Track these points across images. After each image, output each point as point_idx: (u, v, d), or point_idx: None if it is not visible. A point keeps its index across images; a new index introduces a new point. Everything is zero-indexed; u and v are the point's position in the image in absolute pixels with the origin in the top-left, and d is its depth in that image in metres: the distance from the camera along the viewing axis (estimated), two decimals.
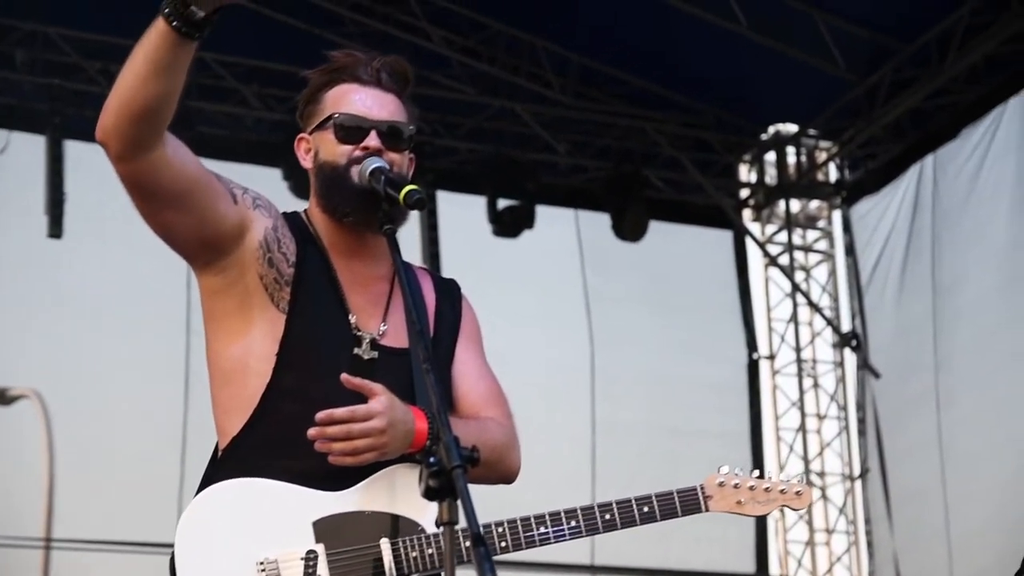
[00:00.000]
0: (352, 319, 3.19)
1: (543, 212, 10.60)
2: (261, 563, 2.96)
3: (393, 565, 2.98)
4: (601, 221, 10.87)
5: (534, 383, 10.08)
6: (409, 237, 10.34)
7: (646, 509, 3.13)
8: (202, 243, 3.13)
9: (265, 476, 3.04)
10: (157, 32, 2.87)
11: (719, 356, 11.30)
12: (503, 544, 3.06)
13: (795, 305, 11.45)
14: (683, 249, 11.29)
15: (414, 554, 3.00)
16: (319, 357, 3.14)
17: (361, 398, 3.02)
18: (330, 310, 3.19)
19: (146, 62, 2.89)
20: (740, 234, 11.57)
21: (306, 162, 3.35)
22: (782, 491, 3.17)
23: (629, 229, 10.81)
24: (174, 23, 2.84)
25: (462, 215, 10.46)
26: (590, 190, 10.97)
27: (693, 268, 11.35)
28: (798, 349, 11.39)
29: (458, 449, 2.54)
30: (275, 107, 10.05)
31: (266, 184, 9.94)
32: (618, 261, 10.94)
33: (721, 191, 11.42)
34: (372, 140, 3.23)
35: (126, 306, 9.53)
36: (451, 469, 2.51)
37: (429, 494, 2.52)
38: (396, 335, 3.22)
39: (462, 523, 2.56)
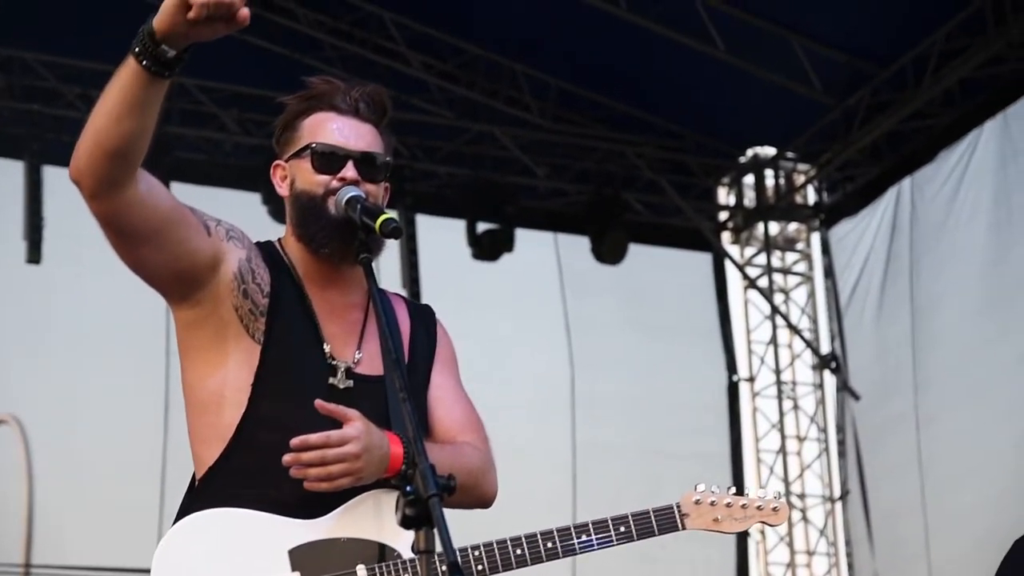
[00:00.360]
0: (327, 348, 3.19)
1: (522, 235, 10.62)
2: None
3: None
4: (581, 244, 10.90)
5: (515, 405, 10.09)
6: (389, 261, 10.35)
7: (623, 529, 3.13)
8: (176, 277, 3.14)
9: (242, 505, 3.03)
10: (128, 71, 2.86)
11: (699, 378, 11.32)
12: (479, 567, 3.06)
13: (774, 327, 11.48)
14: (663, 271, 11.32)
15: None
16: (295, 387, 3.12)
17: (337, 425, 3.02)
18: (305, 339, 3.18)
19: (118, 101, 2.88)
20: (719, 256, 11.61)
21: (282, 189, 3.33)
22: (759, 507, 3.16)
23: (609, 252, 10.84)
24: (144, 62, 2.83)
25: (441, 238, 10.47)
26: (569, 213, 11.00)
27: (673, 290, 11.38)
28: (778, 371, 11.41)
29: (434, 477, 2.54)
30: (254, 132, 10.05)
31: (245, 209, 10.00)
32: (598, 284, 10.97)
33: (700, 214, 11.46)
34: (349, 171, 3.22)
35: (105, 331, 9.52)
36: (428, 498, 2.52)
37: (406, 523, 2.52)
38: (371, 363, 3.22)
39: (439, 550, 2.56)
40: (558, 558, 3.10)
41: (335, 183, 3.21)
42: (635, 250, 10.94)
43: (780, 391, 11.39)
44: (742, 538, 11.02)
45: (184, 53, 2.83)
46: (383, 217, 3.02)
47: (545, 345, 10.78)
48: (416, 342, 3.33)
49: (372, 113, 3.31)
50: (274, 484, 3.02)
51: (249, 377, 3.12)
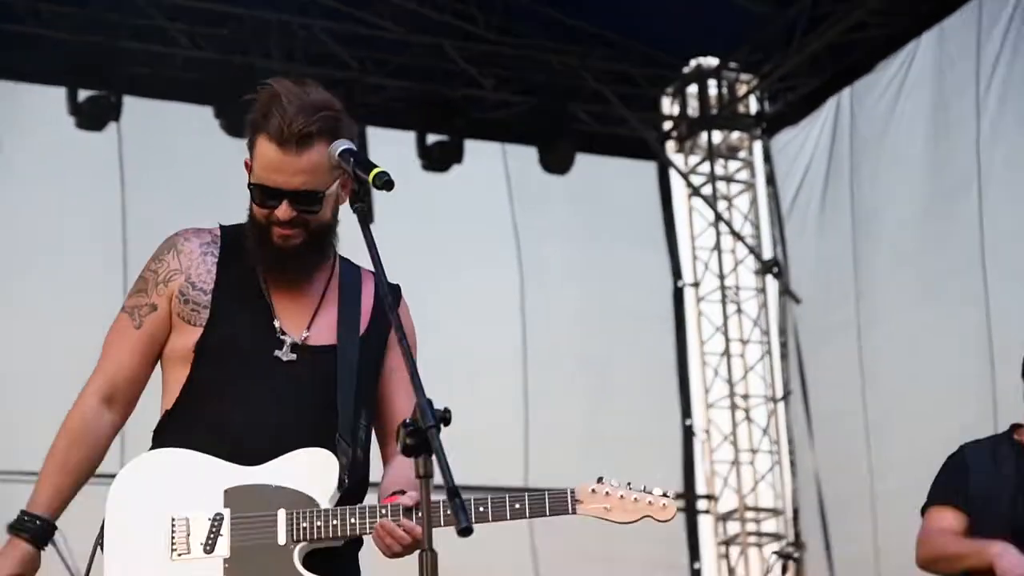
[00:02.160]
0: (277, 324, 3.50)
1: (472, 147, 10.77)
2: (173, 520, 3.33)
3: (284, 532, 3.31)
4: (528, 154, 11.06)
5: (465, 315, 10.32)
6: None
7: (517, 506, 3.32)
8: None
9: (189, 448, 3.43)
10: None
11: (646, 284, 11.55)
12: (361, 529, 3.34)
13: (718, 234, 11.70)
14: (609, 180, 11.49)
15: (304, 525, 3.31)
16: (235, 358, 3.47)
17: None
18: (253, 316, 3.50)
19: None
20: (664, 165, 11.81)
21: (248, 187, 3.56)
22: (649, 503, 3.33)
23: (556, 162, 11.01)
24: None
25: (392, 152, 10.56)
26: (517, 124, 11.14)
27: (619, 199, 11.56)
28: (721, 276, 11.65)
29: (432, 411, 2.80)
30: (205, 46, 10.12)
31: (198, 123, 10.01)
32: (546, 193, 11.14)
33: (645, 123, 11.64)
34: (282, 210, 3.43)
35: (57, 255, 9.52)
36: (426, 428, 2.78)
37: (406, 451, 2.79)
38: (325, 333, 3.51)
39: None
40: (452, 525, 3.29)
41: (273, 217, 3.43)
42: (582, 160, 11.11)
43: (724, 295, 11.63)
44: (687, 439, 11.35)
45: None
46: (376, 171, 3.17)
47: (495, 255, 10.95)
48: (376, 317, 3.58)
49: (316, 135, 3.39)
50: (214, 441, 3.40)
51: (191, 344, 3.48)
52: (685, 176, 11.77)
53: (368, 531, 3.30)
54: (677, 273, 11.67)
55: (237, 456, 3.37)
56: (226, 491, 3.34)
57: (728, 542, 11.31)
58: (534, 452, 10.56)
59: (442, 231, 10.59)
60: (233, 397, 3.42)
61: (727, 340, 11.57)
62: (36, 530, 3.36)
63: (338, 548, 3.37)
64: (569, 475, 10.32)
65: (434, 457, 2.72)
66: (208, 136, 9.78)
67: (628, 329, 11.26)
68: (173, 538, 3.32)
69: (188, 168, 9.91)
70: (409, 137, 10.68)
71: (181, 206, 9.74)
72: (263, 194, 3.43)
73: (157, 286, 3.53)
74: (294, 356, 3.46)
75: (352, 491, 3.41)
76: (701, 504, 11.42)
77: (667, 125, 11.94)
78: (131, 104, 9.86)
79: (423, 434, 2.78)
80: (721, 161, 11.91)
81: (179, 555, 3.30)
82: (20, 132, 9.56)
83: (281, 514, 3.31)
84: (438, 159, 10.66)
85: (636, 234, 11.55)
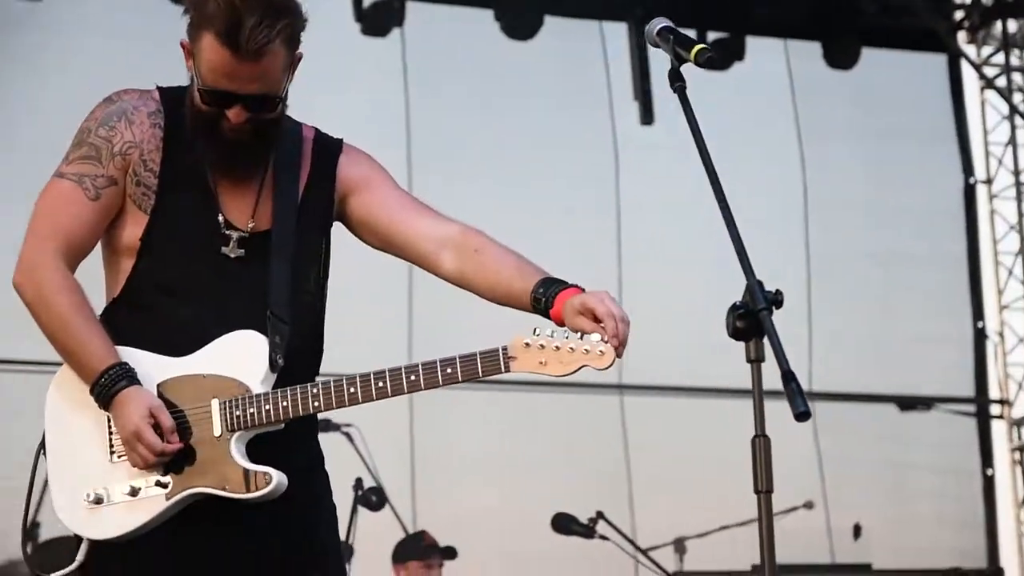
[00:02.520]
0: (220, 218, 3.28)
1: (753, 43, 10.56)
2: (109, 420, 3.20)
3: (220, 421, 3.18)
4: (812, 50, 10.78)
5: (744, 215, 10.13)
6: (620, 72, 10.45)
7: (449, 370, 3.12)
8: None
9: (127, 343, 3.24)
10: (86, 373, 3.19)
11: (935, 181, 11.21)
12: (316, 404, 3.18)
13: (1013, 128, 11.26)
14: (896, 75, 11.14)
15: (238, 413, 3.17)
16: (180, 256, 3.27)
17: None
18: (199, 208, 3.28)
19: (61, 342, 3.21)
20: (955, 57, 11.35)
21: (188, 70, 3.29)
22: (586, 351, 3.08)
23: (840, 57, 10.72)
24: (98, 393, 3.17)
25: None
26: (800, 19, 10.85)
27: (907, 94, 11.22)
28: (1016, 172, 11.22)
29: (763, 292, 2.73)
30: None
31: (479, 26, 10.15)
32: (830, 90, 10.87)
33: (935, 14, 11.18)
34: (235, 114, 3.19)
35: None
36: (758, 311, 2.71)
37: (736, 335, 2.72)
38: (265, 218, 3.31)
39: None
40: (387, 397, 3.17)
41: (223, 116, 3.19)
42: (867, 54, 10.78)
43: (1019, 192, 11.21)
44: (979, 342, 10.98)
45: None
46: (697, 48, 3.08)
47: (777, 153, 10.75)
48: (315, 173, 3.37)
49: (268, 42, 3.11)
50: (157, 332, 3.24)
51: (138, 235, 3.27)
52: (978, 68, 11.30)
53: (302, 412, 3.17)
54: (968, 170, 11.26)
55: (174, 350, 3.23)
56: (160, 384, 3.21)
57: (1023, 448, 10.96)
58: (818, 355, 10.37)
59: (723, 129, 10.42)
60: (179, 293, 3.25)
61: (1022, 239, 11.15)
62: (132, 372, 3.18)
63: (289, 432, 3.23)
64: (853, 379, 10.17)
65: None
66: (489, 38, 9.88)
67: (916, 229, 10.96)
68: (111, 440, 3.21)
69: (470, 71, 10.01)
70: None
71: (464, 109, 9.90)
72: (213, 97, 3.18)
73: (113, 158, 3.25)
74: (243, 251, 3.26)
75: (298, 366, 3.26)
76: (994, 409, 11.08)
77: (958, 15, 11.45)
78: (414, 8, 9.98)
79: (755, 316, 2.70)
80: (1016, 51, 11.39)
81: (119, 457, 3.20)
82: (307, 38, 9.73)
83: (215, 404, 3.19)
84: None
85: (924, 130, 11.20)
